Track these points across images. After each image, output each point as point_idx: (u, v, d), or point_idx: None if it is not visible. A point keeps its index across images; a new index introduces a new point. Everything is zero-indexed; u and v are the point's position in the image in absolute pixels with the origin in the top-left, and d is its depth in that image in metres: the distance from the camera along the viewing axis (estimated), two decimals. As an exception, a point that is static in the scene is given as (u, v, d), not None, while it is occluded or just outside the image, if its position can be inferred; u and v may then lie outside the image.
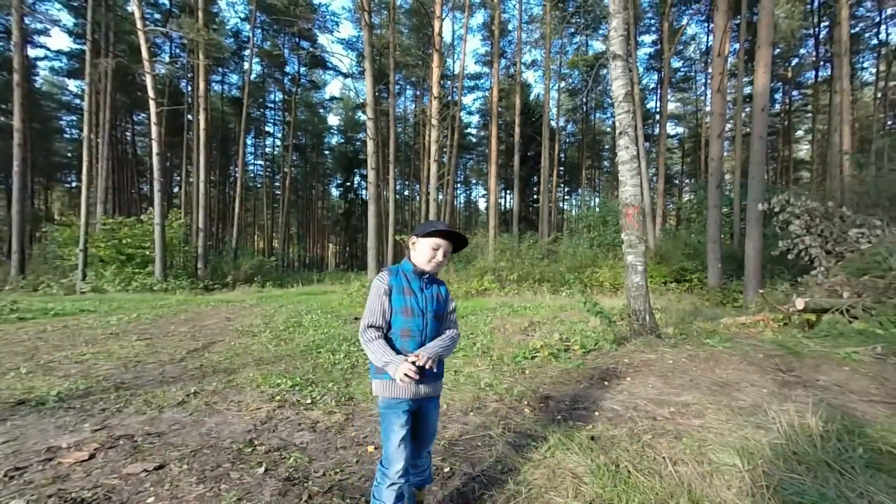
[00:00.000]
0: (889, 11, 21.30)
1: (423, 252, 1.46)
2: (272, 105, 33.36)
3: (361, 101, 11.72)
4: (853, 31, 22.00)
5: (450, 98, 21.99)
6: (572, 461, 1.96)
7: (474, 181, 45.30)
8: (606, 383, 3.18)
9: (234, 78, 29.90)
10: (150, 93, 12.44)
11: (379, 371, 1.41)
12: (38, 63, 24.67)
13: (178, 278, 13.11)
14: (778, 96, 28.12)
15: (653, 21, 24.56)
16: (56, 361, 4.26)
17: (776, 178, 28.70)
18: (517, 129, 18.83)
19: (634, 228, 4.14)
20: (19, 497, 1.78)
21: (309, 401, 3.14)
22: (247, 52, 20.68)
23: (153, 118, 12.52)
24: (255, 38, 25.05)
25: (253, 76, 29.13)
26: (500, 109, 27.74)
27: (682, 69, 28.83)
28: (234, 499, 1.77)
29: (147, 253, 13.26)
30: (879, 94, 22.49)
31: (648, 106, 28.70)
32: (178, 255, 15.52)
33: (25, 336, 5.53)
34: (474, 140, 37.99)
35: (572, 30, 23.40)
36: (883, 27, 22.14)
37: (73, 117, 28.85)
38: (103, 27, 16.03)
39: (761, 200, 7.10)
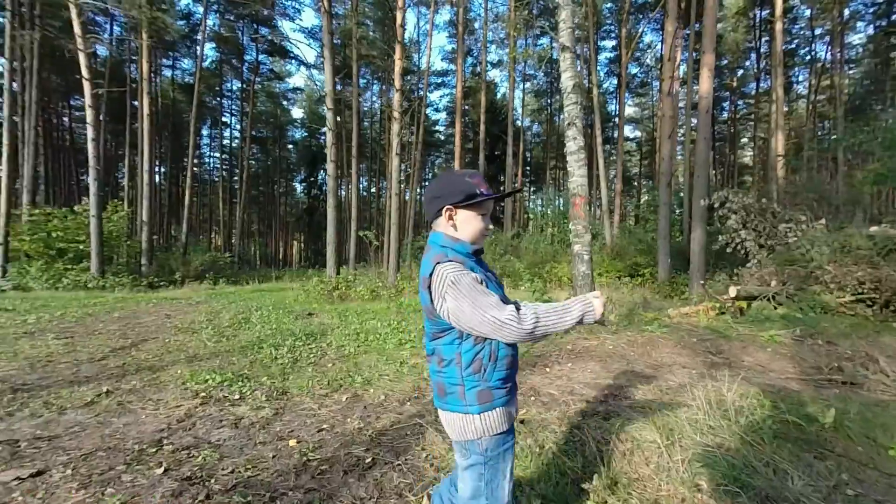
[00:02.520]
0: (818, 31, 23.30)
1: (473, 224, 1.09)
2: (229, 94, 31.69)
3: (323, 92, 11.33)
4: (790, 47, 23.93)
5: (415, 94, 21.80)
6: (498, 445, 1.91)
7: (442, 179, 45.23)
8: (548, 369, 3.18)
9: (186, 63, 28.15)
10: (84, 72, 11.39)
11: (486, 399, 1.03)
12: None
13: (118, 275, 12.12)
14: (725, 105, 30.05)
15: (612, 27, 25.51)
16: (-55, 363, 3.75)
17: (723, 182, 30.66)
18: (482, 128, 18.94)
19: (581, 218, 4.21)
20: None
21: (237, 396, 2.93)
22: (199, 36, 19.49)
23: (88, 100, 11.47)
24: (211, 23, 23.69)
25: (207, 62, 27.58)
26: (466, 108, 27.86)
27: (639, 75, 30.13)
28: (117, 503, 1.57)
29: (81, 248, 12.17)
30: (811, 106, 24.61)
31: (609, 109, 29.80)
32: (120, 250, 14.38)
33: (-85, 337, 4.86)
34: (442, 138, 37.94)
35: (538, 31, 23.85)
36: (814, 44, 24.22)
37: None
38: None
39: (704, 197, 7.48)
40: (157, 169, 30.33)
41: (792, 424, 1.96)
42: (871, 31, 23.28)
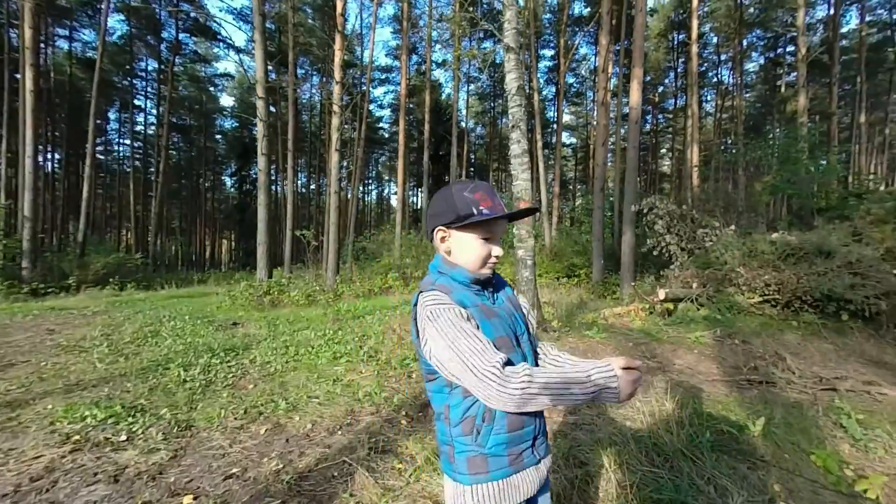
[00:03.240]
0: (723, 57, 26.46)
1: (472, 250, 0.88)
2: (143, 74, 28.13)
3: (254, 79, 10.32)
4: (700, 69, 26.89)
5: (358, 89, 21.00)
6: (437, 485, 1.69)
7: (387, 177, 44.47)
8: (492, 382, 3.05)
9: (88, 35, 24.42)
10: (-61, 33, 9.27)
11: (479, 469, 0.82)
12: None
13: (-12, 281, 10.07)
14: (648, 118, 32.98)
15: (551, 37, 26.75)
16: None
17: (646, 188, 33.68)
18: (427, 127, 18.76)
19: (524, 223, 4.16)
20: None
21: (123, 437, 2.40)
22: (103, 5, 16.92)
23: (-56, 68, 9.36)
24: (118, -10, 20.76)
25: (115, 36, 24.22)
26: (411, 106, 27.49)
27: (575, 85, 31.97)
28: None
29: (-63, 248, 9.93)
30: (716, 123, 27.91)
31: (548, 115, 31.24)
32: (-5, 251, 11.98)
33: None
34: (386, 135, 37.18)
35: (482, 34, 24.22)
36: (720, 69, 27.51)
37: None
38: None
39: (634, 203, 7.96)
40: (49, 156, 26.03)
41: (727, 434, 1.99)
42: (761, 60, 27.05)
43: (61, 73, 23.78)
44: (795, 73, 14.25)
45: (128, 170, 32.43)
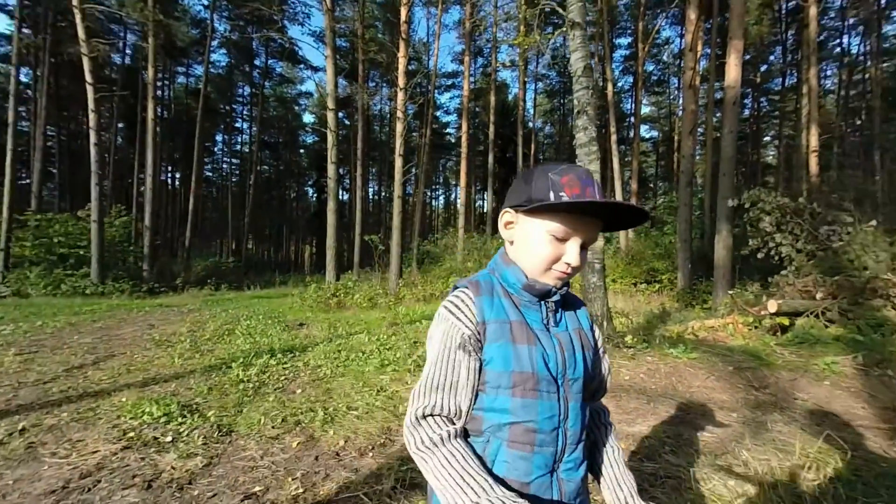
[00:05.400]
0: (851, 21, 22.01)
1: (535, 246, 0.64)
2: (242, 99, 31.95)
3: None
4: (819, 38, 22.67)
5: (423, 97, 21.41)
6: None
7: (454, 182, 44.91)
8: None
9: (199, 70, 28.46)
10: (88, 77, 11.34)
11: None
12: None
13: (118, 281, 11.98)
14: (747, 102, 28.74)
15: (628, 24, 24.69)
16: None
17: (745, 182, 29.30)
18: (491, 129, 18.42)
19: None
20: None
21: (170, 438, 2.43)
22: (212, 43, 19.51)
23: (90, 105, 11.41)
24: (222, 28, 23.85)
25: (220, 67, 27.84)
26: (477, 109, 27.36)
27: (656, 73, 29.15)
28: None
29: (83, 253, 12.08)
30: (841, 102, 23.26)
31: (624, 107, 28.91)
32: (126, 255, 14.32)
33: None
34: (453, 140, 37.54)
35: (550, 28, 23.22)
36: (847, 36, 22.94)
37: (22, 108, 26.71)
38: (43, 8, 14.70)
39: (731, 197, 6.77)
40: (172, 174, 30.74)
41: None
42: (906, 20, 21.90)
43: (179, 103, 27.98)
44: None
45: (228, 184, 37.06)
